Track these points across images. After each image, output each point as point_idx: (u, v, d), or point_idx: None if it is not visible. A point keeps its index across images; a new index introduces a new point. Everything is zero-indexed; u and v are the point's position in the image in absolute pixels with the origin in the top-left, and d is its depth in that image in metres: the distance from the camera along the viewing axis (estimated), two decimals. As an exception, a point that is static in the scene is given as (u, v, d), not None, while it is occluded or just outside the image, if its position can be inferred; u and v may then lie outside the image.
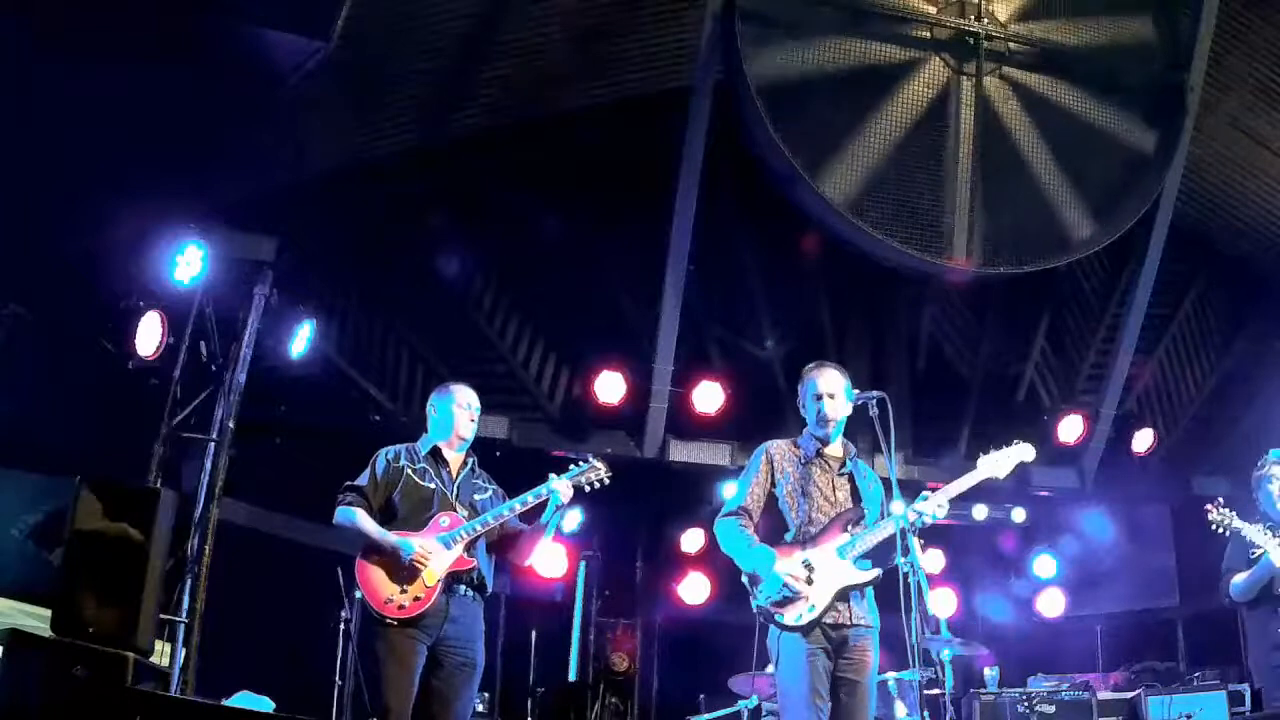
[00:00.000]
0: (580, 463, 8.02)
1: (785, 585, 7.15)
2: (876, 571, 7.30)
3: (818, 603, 7.14)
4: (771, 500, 7.59)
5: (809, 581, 7.17)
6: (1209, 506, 8.88)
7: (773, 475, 7.63)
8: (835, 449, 7.73)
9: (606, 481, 8.01)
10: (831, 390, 7.66)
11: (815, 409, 7.66)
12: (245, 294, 11.05)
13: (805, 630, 7.12)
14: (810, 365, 7.89)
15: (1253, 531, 8.73)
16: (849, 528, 7.38)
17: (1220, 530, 8.82)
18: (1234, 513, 8.81)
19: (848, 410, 7.72)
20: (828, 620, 7.14)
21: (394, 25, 11.53)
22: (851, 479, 7.65)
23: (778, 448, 7.76)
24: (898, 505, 7.26)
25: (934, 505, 7.29)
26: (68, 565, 8.22)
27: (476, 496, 7.92)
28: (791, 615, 7.16)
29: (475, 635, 7.65)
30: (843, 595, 7.21)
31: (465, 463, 8.04)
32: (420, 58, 12.28)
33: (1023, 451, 7.79)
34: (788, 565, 7.21)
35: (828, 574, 7.22)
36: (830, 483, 7.58)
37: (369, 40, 11.11)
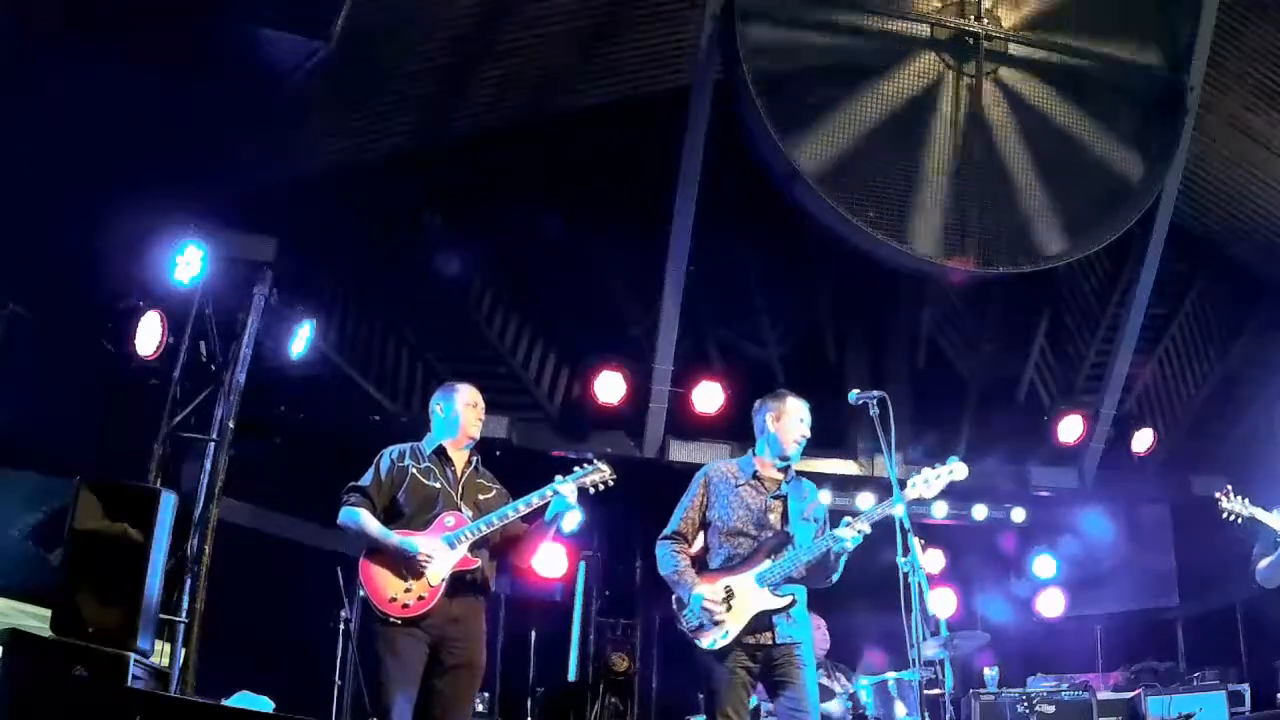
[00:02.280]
0: (584, 465, 8.00)
1: (703, 610, 7.45)
2: (790, 599, 7.48)
3: (732, 629, 7.41)
4: (705, 523, 7.85)
5: (728, 608, 7.44)
6: (1219, 495, 8.76)
7: (707, 498, 7.87)
8: (774, 470, 7.90)
9: (611, 484, 8.01)
10: (804, 419, 7.93)
11: (796, 433, 7.85)
12: (245, 294, 11.06)
13: (721, 655, 7.41)
14: (779, 391, 8.10)
15: (1270, 517, 8.64)
16: (772, 555, 7.55)
17: (1235, 520, 8.72)
18: (1246, 499, 8.69)
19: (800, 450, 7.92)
20: (747, 642, 7.41)
21: (394, 25, 11.53)
22: (785, 501, 7.80)
23: (717, 470, 7.99)
24: (898, 507, 7.30)
25: (853, 531, 7.42)
26: (67, 565, 8.23)
27: (480, 496, 7.88)
28: (707, 640, 7.47)
29: (477, 635, 7.62)
30: (761, 619, 7.44)
31: (470, 462, 8.00)
32: (420, 58, 12.29)
33: (955, 470, 7.74)
34: (709, 591, 7.49)
35: (745, 600, 7.46)
36: (761, 505, 7.74)
37: (369, 40, 11.10)
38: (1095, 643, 16.63)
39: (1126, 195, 13.23)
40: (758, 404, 8.07)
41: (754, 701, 10.02)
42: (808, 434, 7.90)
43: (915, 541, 7.17)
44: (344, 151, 12.95)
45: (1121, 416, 15.59)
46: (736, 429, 14.63)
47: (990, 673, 13.22)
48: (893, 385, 13.81)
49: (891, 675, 11.00)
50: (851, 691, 11.30)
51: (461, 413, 7.98)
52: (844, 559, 7.54)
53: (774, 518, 7.72)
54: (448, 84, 12.80)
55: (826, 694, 10.94)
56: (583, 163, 13.98)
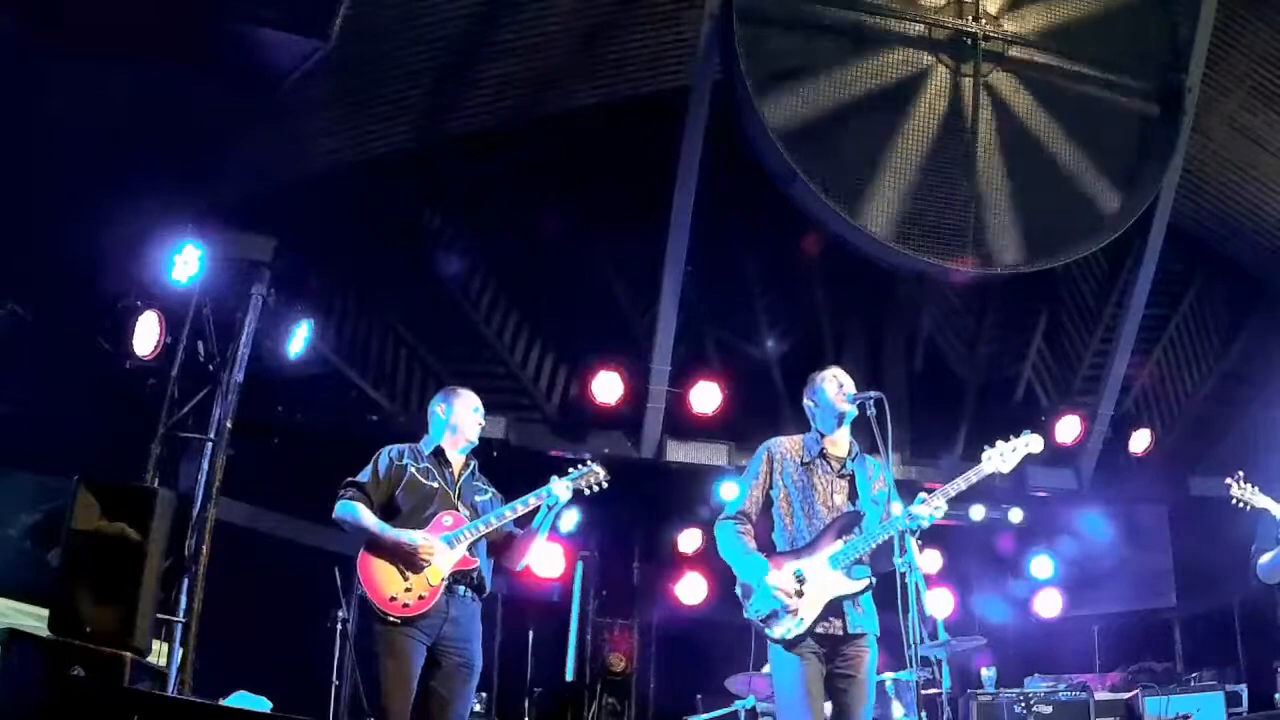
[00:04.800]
0: (580, 465, 8.00)
1: (775, 599, 7.12)
2: (868, 580, 7.22)
3: (806, 616, 7.10)
4: (768, 503, 7.54)
5: (799, 594, 7.11)
6: (1229, 480, 8.63)
7: (771, 477, 7.56)
8: (840, 447, 7.62)
9: (605, 485, 7.97)
10: (843, 378, 7.62)
11: (828, 394, 7.56)
12: (243, 294, 11.06)
13: (792, 644, 7.09)
14: (815, 372, 7.77)
15: (1277, 507, 8.53)
16: (843, 535, 7.28)
17: (1242, 505, 8.57)
18: (1256, 488, 8.58)
19: (854, 410, 7.59)
20: (818, 631, 7.10)
21: (392, 25, 11.55)
22: (852, 479, 7.54)
23: (780, 447, 7.67)
24: (895, 506, 7.17)
25: (931, 508, 7.15)
26: (65, 565, 8.23)
27: (477, 498, 7.88)
28: (780, 629, 7.13)
29: (474, 636, 7.61)
30: (834, 606, 7.16)
31: (467, 465, 8.01)
32: (418, 57, 12.29)
33: (1031, 443, 7.49)
34: (779, 578, 7.16)
35: (819, 585, 7.16)
36: (829, 485, 7.48)
37: (367, 40, 11.12)
38: (1093, 643, 16.64)
39: (1097, 224, 13.29)
40: (806, 389, 7.78)
41: (750, 702, 10.03)
42: (852, 390, 7.58)
43: (913, 541, 7.10)
44: (342, 151, 12.95)
45: (1119, 417, 15.59)
46: (734, 429, 14.68)
47: (988, 673, 13.24)
48: (890, 385, 13.85)
49: (889, 675, 11.01)
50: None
51: (462, 417, 8.01)
52: (909, 539, 7.07)
53: (840, 498, 7.47)
54: (446, 83, 12.80)
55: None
56: (581, 163, 13.99)
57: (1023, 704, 12.12)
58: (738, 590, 7.44)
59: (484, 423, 8.13)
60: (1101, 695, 12.90)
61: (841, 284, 15.29)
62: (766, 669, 9.22)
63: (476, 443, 8.08)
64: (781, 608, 7.11)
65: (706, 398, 14.59)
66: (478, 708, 12.76)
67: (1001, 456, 7.44)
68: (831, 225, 12.75)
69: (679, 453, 14.80)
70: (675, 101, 12.99)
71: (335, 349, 13.77)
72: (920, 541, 7.27)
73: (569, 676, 14.78)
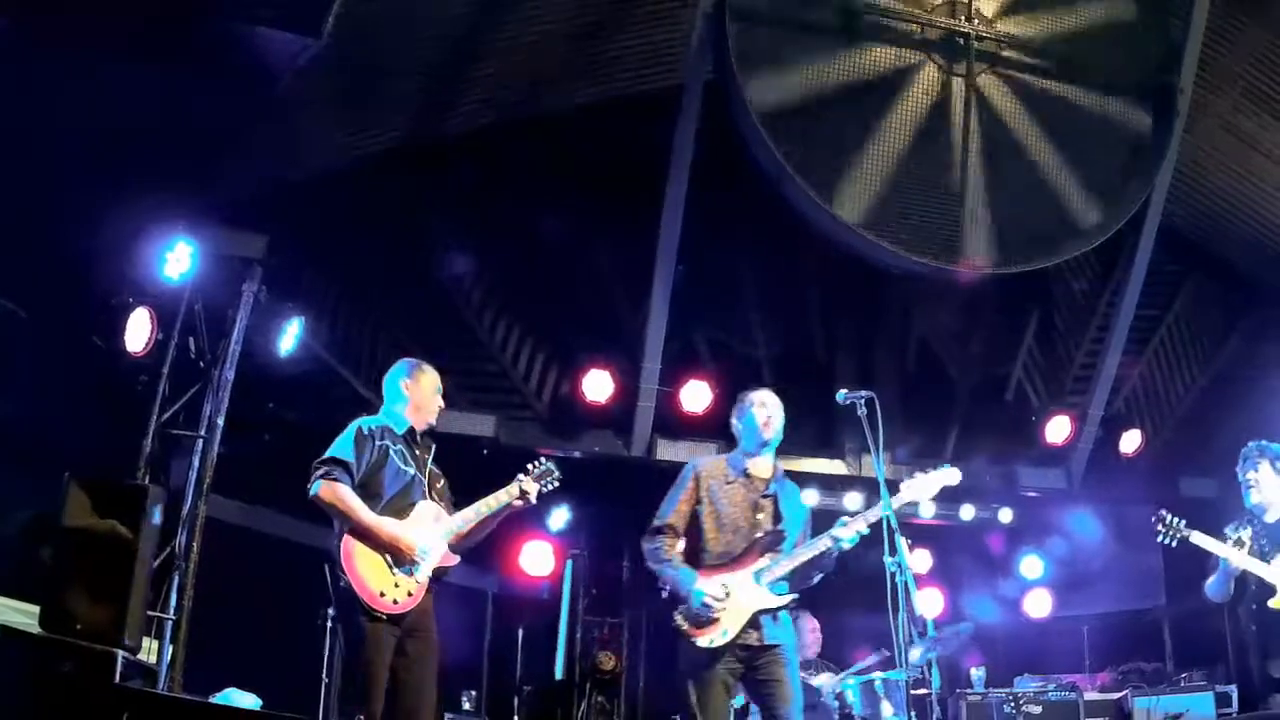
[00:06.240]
0: (536, 464, 8.02)
1: (705, 605, 7.40)
2: (790, 596, 7.61)
3: (730, 628, 7.43)
4: (694, 518, 7.82)
5: (725, 606, 7.43)
6: (1155, 519, 8.93)
7: (698, 493, 7.87)
8: (763, 469, 7.95)
9: (556, 483, 8.05)
10: (771, 409, 7.97)
11: (756, 421, 7.92)
12: (235, 291, 11.06)
13: (715, 655, 7.40)
14: (747, 390, 8.20)
15: (1203, 539, 8.73)
16: (766, 552, 7.61)
17: (1170, 543, 8.82)
18: (1182, 521, 8.84)
19: (779, 434, 7.94)
20: (739, 643, 7.43)
21: (386, 23, 11.52)
22: (775, 500, 7.85)
23: (706, 466, 8.04)
24: (882, 507, 7.46)
25: (853, 530, 7.53)
26: (56, 562, 8.23)
27: (438, 484, 7.84)
28: (705, 639, 7.43)
29: (433, 619, 7.58)
30: (755, 620, 7.48)
31: (429, 447, 7.94)
32: (412, 56, 12.28)
33: (948, 475, 7.90)
34: (709, 587, 7.46)
35: (743, 599, 7.48)
36: (753, 504, 7.79)
37: (360, 38, 11.10)
38: (1082, 643, 16.65)
39: (1087, 225, 13.30)
40: (735, 407, 8.17)
41: (739, 700, 10.07)
42: (777, 422, 7.93)
43: (902, 541, 7.23)
44: (335, 149, 12.95)
45: (1110, 417, 15.61)
46: (724, 428, 14.55)
47: (977, 673, 13.27)
48: (881, 385, 13.84)
49: (879, 675, 11.02)
50: (839, 691, 11.32)
51: (429, 397, 7.95)
52: (899, 538, 7.47)
53: (764, 516, 7.76)
54: (439, 82, 12.80)
55: (812, 692, 10.97)
56: (573, 161, 14.00)
57: (1012, 704, 12.14)
58: (666, 598, 7.74)
59: (442, 404, 8.08)
60: (1091, 695, 12.93)
61: (833, 284, 15.29)
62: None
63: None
64: (709, 616, 7.42)
65: (697, 397, 14.58)
66: (467, 705, 12.79)
67: (921, 486, 7.84)
68: (822, 223, 12.75)
69: (669, 451, 14.78)
70: (668, 100, 12.99)
71: (327, 346, 13.75)
72: (910, 541, 7.46)
73: (559, 675, 14.80)
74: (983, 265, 13.17)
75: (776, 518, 7.78)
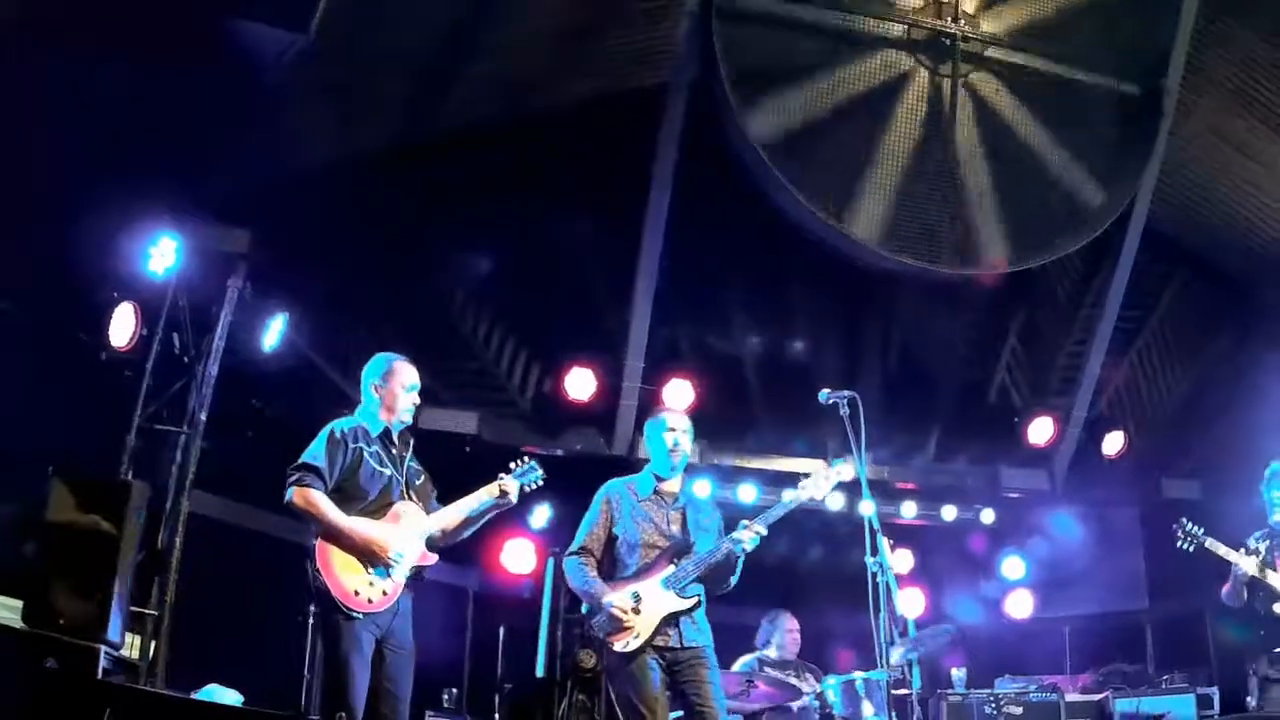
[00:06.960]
0: (521, 462, 8.08)
1: (612, 617, 7.81)
2: (695, 599, 7.96)
3: (643, 632, 7.81)
4: (611, 539, 8.20)
5: (636, 612, 7.83)
6: (1176, 527, 9.32)
7: (611, 516, 8.25)
8: (673, 485, 8.34)
9: (539, 484, 8.15)
10: (681, 430, 8.31)
11: (665, 446, 8.27)
12: (219, 286, 11.09)
13: (632, 656, 7.80)
14: (660, 407, 8.85)
15: (1219, 547, 9.18)
16: (674, 560, 7.98)
17: (1188, 549, 9.24)
18: (1202, 529, 9.25)
19: (687, 456, 8.33)
20: (657, 643, 7.85)
21: (373, 19, 11.50)
22: (684, 513, 8.23)
23: (615, 491, 8.41)
24: (867, 505, 7.72)
25: (751, 532, 7.90)
26: (40, 557, 8.23)
27: (417, 483, 7.84)
28: (620, 643, 7.82)
29: (410, 624, 7.59)
30: (669, 621, 7.89)
31: (408, 447, 7.93)
32: (399, 53, 12.26)
33: (843, 470, 8.19)
34: (617, 599, 7.87)
35: (653, 604, 7.87)
36: (664, 518, 8.19)
37: (348, 34, 11.08)
38: (1064, 644, 16.69)
39: (1081, 220, 13.35)
40: (646, 424, 8.60)
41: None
42: (685, 446, 8.31)
43: (884, 541, 7.31)
44: (321, 146, 12.91)
45: (1093, 419, 15.66)
46: (707, 427, 14.67)
47: (958, 673, 13.27)
48: (863, 385, 13.85)
49: (859, 675, 11.03)
50: (819, 691, 11.32)
51: (399, 396, 7.91)
52: (741, 561, 7.99)
53: (675, 528, 8.15)
54: (427, 80, 12.77)
55: (795, 694, 10.97)
56: (557, 159, 13.97)
57: (993, 705, 12.16)
58: (585, 612, 8.18)
59: (418, 400, 8.08)
60: (1072, 696, 12.94)
61: (817, 283, 15.28)
62: (736, 666, 9.60)
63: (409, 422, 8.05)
64: (619, 624, 7.81)
65: (680, 395, 14.58)
66: (447, 704, 12.79)
67: (816, 484, 8.14)
68: (806, 223, 12.77)
69: (652, 450, 14.78)
70: (653, 100, 13.01)
71: (311, 343, 13.72)
72: (892, 541, 7.56)
73: (540, 673, 14.77)
74: (1000, 265, 13.24)
75: (685, 529, 8.14)
